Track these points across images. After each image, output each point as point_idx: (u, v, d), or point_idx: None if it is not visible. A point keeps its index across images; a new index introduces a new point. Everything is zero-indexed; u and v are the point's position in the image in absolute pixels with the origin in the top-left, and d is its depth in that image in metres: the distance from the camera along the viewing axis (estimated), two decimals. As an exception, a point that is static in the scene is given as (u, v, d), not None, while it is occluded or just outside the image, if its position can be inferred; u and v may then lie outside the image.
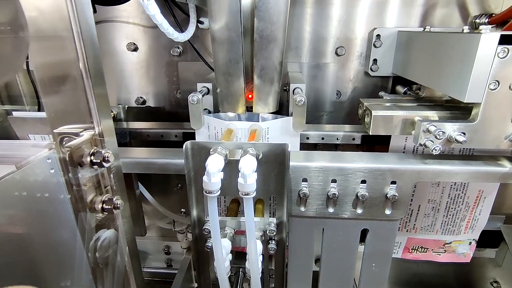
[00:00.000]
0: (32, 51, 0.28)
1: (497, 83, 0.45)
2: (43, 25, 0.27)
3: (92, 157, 0.31)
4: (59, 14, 0.27)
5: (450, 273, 0.91)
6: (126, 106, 0.78)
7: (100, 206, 0.33)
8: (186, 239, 0.87)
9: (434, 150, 0.46)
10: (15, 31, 0.22)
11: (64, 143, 0.30)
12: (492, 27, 0.70)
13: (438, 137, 0.46)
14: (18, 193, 0.34)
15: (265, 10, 0.49)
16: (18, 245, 0.34)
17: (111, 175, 0.35)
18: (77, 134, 0.30)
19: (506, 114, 0.46)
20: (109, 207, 0.34)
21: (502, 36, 0.43)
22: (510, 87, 0.45)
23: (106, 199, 0.33)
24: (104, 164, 0.31)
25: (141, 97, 0.81)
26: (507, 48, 0.43)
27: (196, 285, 0.88)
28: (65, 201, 0.36)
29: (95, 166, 0.32)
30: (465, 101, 0.46)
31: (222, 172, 0.42)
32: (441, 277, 0.91)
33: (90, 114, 0.31)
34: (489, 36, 0.43)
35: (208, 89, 0.60)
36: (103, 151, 0.31)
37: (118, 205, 0.34)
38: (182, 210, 0.92)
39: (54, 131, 0.31)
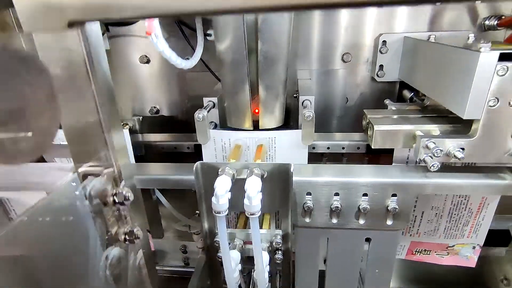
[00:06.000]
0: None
1: (496, 100, 0.45)
2: (66, 81, 0.30)
3: (114, 197, 0.35)
4: (79, 69, 0.30)
5: (460, 271, 0.92)
6: (141, 118, 0.82)
7: (122, 237, 0.37)
8: (201, 240, 0.92)
9: (432, 167, 0.48)
10: (49, 102, 0.25)
11: (87, 181, 0.34)
12: (501, 29, 0.69)
13: (436, 155, 0.47)
14: (48, 218, 0.39)
15: (269, 32, 0.51)
16: (50, 270, 0.38)
17: (130, 205, 0.38)
18: (98, 174, 0.33)
19: (506, 130, 0.47)
20: (131, 238, 0.37)
21: (501, 54, 0.43)
22: (509, 103, 0.45)
23: (128, 231, 0.37)
24: (125, 202, 0.35)
25: (154, 107, 0.85)
26: (506, 65, 0.43)
27: (212, 282, 0.93)
28: (90, 222, 0.40)
29: (117, 205, 0.35)
30: (464, 118, 0.47)
31: (230, 192, 0.45)
32: (450, 274, 0.92)
33: (107, 156, 0.34)
34: (488, 55, 0.43)
35: (214, 103, 0.63)
36: (124, 192, 0.35)
37: (138, 236, 0.38)
38: (197, 212, 0.96)
39: (79, 170, 0.35)
